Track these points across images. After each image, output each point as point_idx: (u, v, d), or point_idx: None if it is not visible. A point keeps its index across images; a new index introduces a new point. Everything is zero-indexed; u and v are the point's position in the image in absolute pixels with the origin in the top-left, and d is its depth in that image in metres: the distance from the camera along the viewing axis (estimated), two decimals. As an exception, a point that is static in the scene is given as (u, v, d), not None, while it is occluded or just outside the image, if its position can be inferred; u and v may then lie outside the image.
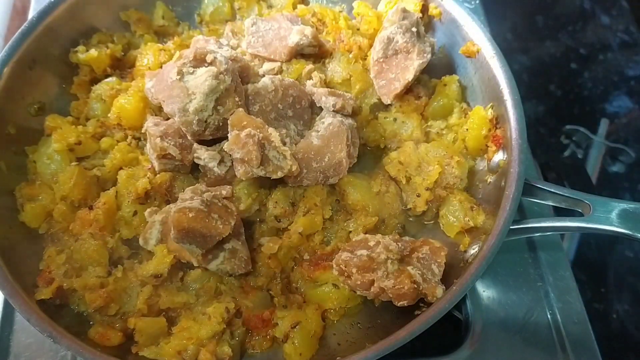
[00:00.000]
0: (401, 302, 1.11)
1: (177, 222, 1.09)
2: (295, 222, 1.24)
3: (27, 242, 1.22)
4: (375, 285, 1.12)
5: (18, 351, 1.23)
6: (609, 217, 1.08)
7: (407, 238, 1.23)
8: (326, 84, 1.41)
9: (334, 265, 1.16)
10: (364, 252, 1.14)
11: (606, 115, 2.14)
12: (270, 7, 1.61)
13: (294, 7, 1.56)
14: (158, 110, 1.36)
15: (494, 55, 1.26)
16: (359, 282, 1.13)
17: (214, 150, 1.24)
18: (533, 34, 2.39)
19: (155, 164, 1.26)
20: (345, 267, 1.14)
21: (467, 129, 1.31)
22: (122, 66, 1.49)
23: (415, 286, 1.10)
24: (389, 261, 1.12)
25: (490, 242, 1.07)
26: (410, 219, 1.34)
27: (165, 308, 1.16)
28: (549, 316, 1.31)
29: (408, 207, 1.31)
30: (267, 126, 1.18)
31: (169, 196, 1.29)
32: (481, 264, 1.05)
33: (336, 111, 1.31)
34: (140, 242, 1.20)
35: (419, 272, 1.12)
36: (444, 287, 1.10)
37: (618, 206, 1.09)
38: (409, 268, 1.12)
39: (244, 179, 1.19)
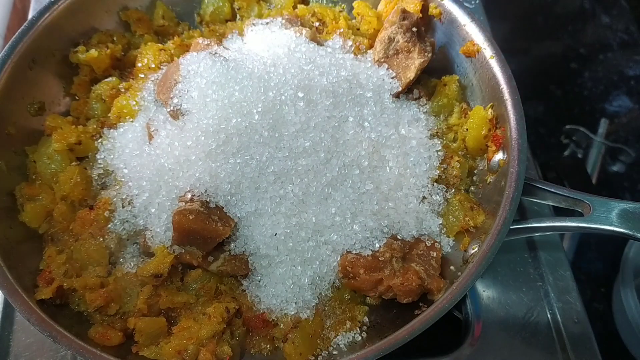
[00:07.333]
0: (406, 299, 1.12)
1: (177, 224, 1.09)
2: (295, 222, 1.24)
3: (27, 242, 1.22)
4: (383, 284, 1.12)
5: (18, 351, 1.22)
6: (608, 217, 1.07)
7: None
8: (326, 84, 1.41)
9: (339, 268, 1.17)
10: (368, 252, 1.14)
11: (606, 115, 2.14)
12: (270, 7, 1.60)
13: (294, 7, 1.56)
14: (158, 110, 1.36)
15: (494, 55, 1.26)
16: (366, 282, 1.13)
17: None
18: (533, 34, 2.39)
19: (155, 164, 1.26)
20: (352, 268, 1.14)
21: (467, 129, 1.31)
22: (122, 66, 1.49)
23: (421, 282, 1.11)
24: (394, 259, 1.13)
25: (490, 242, 1.07)
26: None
27: (165, 308, 1.16)
28: (549, 316, 1.30)
29: (408, 207, 1.31)
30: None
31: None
32: (481, 264, 1.05)
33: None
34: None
35: (422, 267, 1.13)
36: (445, 280, 1.11)
37: (618, 206, 1.08)
38: (413, 265, 1.13)
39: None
